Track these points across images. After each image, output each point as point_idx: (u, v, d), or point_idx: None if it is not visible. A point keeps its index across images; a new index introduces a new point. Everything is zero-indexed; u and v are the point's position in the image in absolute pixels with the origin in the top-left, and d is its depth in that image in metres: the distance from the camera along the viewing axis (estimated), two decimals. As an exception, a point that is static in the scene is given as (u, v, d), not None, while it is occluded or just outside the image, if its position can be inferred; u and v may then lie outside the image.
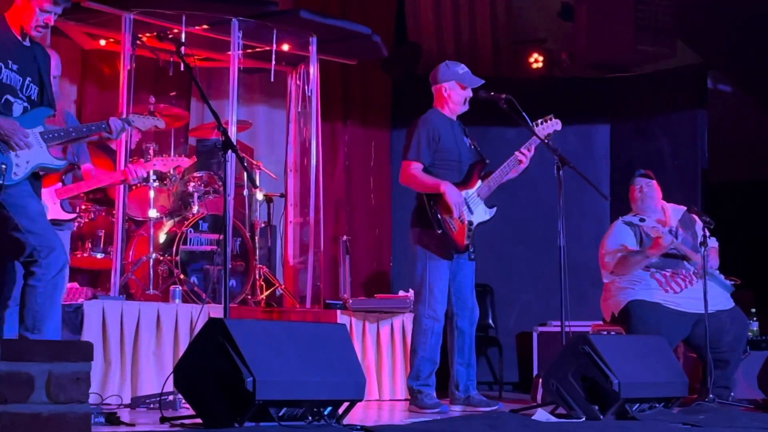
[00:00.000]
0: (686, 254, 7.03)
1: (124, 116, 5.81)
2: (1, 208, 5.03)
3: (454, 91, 6.69)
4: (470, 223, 6.52)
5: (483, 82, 6.72)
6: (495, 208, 6.70)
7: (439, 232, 6.41)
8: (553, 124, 6.77)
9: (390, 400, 7.82)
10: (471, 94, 6.69)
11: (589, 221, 9.38)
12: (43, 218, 5.26)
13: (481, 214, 6.62)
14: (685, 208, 7.30)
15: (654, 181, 7.29)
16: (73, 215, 6.80)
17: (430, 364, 6.54)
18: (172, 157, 7.50)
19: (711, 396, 6.72)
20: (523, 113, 6.63)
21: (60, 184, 6.52)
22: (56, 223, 6.09)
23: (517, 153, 6.64)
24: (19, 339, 5.02)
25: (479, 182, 6.63)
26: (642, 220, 6.88)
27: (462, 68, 6.74)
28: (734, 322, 7.09)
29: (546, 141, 6.64)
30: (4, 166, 5.03)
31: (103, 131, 5.57)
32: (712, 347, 6.85)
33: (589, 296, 8.09)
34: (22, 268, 5.11)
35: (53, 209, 6.32)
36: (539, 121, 6.74)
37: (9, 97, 5.13)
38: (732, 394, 7.06)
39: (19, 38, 5.22)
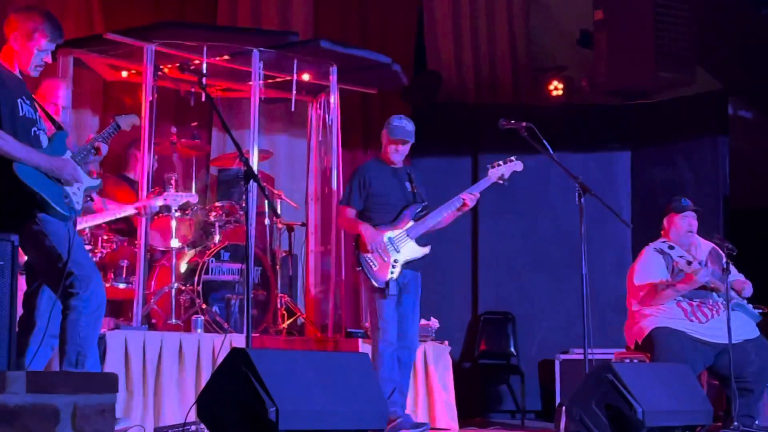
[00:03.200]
0: (716, 286, 6.99)
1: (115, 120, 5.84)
2: (44, 237, 5.03)
3: (385, 140, 7.15)
4: (395, 260, 6.90)
5: (410, 139, 7.09)
6: (429, 246, 7.05)
7: (358, 269, 6.94)
8: (512, 166, 7.10)
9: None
10: (400, 149, 7.08)
11: (610, 249, 9.35)
12: (83, 249, 5.30)
13: (410, 251, 6.99)
14: (713, 244, 7.26)
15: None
16: (89, 248, 6.84)
17: (390, 384, 6.79)
18: (181, 193, 7.58)
19: (735, 424, 6.68)
20: (544, 141, 6.65)
21: None
22: None
23: (462, 195, 7.06)
24: (44, 371, 5.04)
25: (410, 222, 7.03)
26: (671, 248, 6.86)
27: (400, 121, 7.12)
28: (759, 351, 7.04)
29: (502, 182, 7.08)
30: (67, 200, 5.08)
31: (113, 133, 5.67)
32: (736, 377, 6.80)
33: (610, 323, 8.06)
34: (59, 302, 5.08)
35: None
36: (496, 162, 7.11)
37: (35, 129, 5.17)
38: (756, 422, 7.01)
39: (19, 76, 5.25)
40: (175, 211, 7.81)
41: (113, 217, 7.26)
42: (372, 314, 6.96)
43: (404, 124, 7.09)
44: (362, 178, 7.06)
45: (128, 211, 7.25)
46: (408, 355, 7.01)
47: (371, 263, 6.88)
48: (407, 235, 6.97)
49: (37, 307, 5.21)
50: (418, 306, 7.07)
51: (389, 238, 6.93)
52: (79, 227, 6.62)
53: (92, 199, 6.72)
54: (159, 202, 7.38)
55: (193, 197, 7.71)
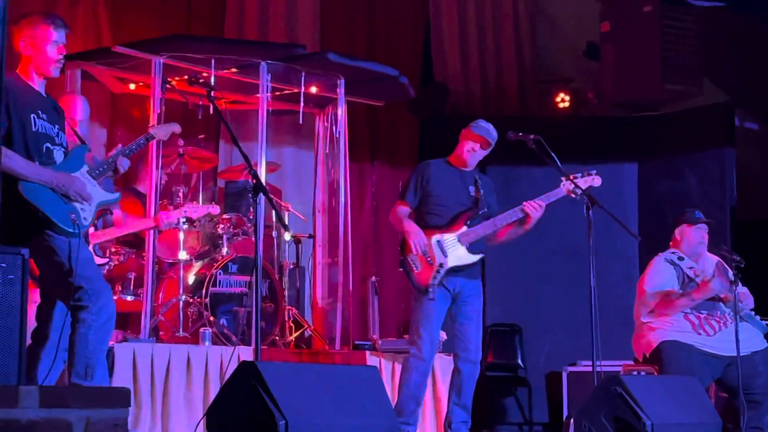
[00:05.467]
0: (724, 297, 6.98)
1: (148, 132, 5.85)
2: (53, 253, 5.05)
3: (466, 138, 6.85)
4: (440, 265, 6.61)
5: (491, 140, 6.76)
6: (481, 254, 6.75)
7: (400, 269, 6.69)
8: (590, 180, 6.79)
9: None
10: (477, 149, 6.79)
11: (618, 261, 9.35)
12: (93, 264, 5.32)
13: (459, 257, 6.67)
14: (719, 258, 7.26)
15: None
16: (105, 260, 6.84)
17: (414, 403, 6.64)
18: (203, 204, 7.56)
19: (744, 436, 6.67)
20: (552, 153, 6.64)
21: (93, 228, 6.57)
22: None
23: (525, 204, 6.71)
24: (57, 385, 5.04)
25: (464, 228, 6.70)
26: (681, 258, 6.86)
27: (485, 123, 6.82)
28: (767, 363, 7.04)
29: (574, 195, 6.70)
30: (74, 215, 5.08)
31: (144, 144, 5.69)
32: (745, 389, 6.79)
33: (617, 335, 8.05)
34: (69, 315, 5.10)
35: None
36: (573, 175, 6.76)
37: (48, 145, 5.18)
38: (765, 434, 7.00)
39: (38, 90, 5.26)
40: (183, 223, 7.82)
41: (133, 231, 7.27)
42: (411, 323, 6.72)
43: (489, 128, 6.80)
44: (421, 176, 6.78)
45: (147, 224, 7.27)
46: (470, 369, 6.76)
47: (413, 264, 6.62)
48: (458, 240, 6.67)
49: (51, 320, 5.22)
50: (479, 316, 6.79)
51: (437, 241, 6.64)
52: (99, 241, 6.65)
53: (111, 213, 6.75)
54: (177, 215, 7.36)
55: (213, 209, 7.67)
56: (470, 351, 6.74)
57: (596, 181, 6.80)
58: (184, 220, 7.74)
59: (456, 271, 6.65)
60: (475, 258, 6.72)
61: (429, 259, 6.61)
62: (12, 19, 4.79)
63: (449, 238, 6.67)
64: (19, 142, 5.03)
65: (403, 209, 6.76)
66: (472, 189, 6.83)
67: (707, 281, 6.81)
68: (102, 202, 5.36)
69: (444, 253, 6.63)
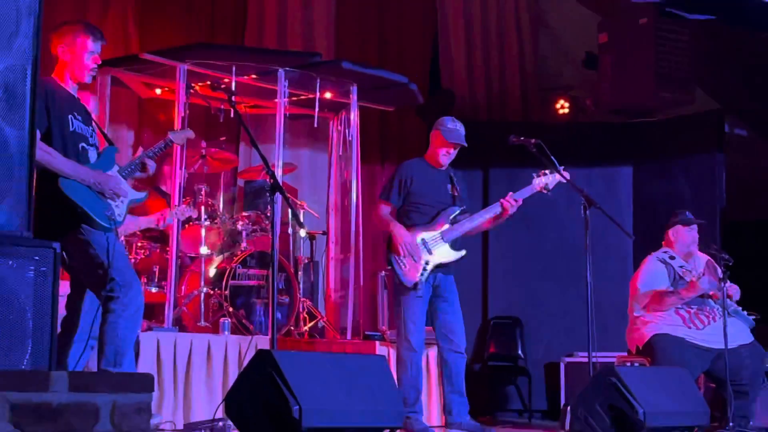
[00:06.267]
0: (712, 294, 6.97)
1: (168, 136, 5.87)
2: (88, 246, 5.07)
3: (436, 141, 6.79)
4: (426, 262, 6.59)
5: (464, 144, 6.75)
6: (464, 251, 6.75)
7: (389, 268, 6.65)
8: (553, 179, 6.77)
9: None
10: (451, 152, 6.77)
11: (613, 259, 9.32)
12: (125, 257, 5.35)
13: (443, 254, 6.67)
14: (708, 257, 7.25)
15: None
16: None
17: (414, 392, 6.62)
18: (185, 208, 7.56)
19: (731, 425, 6.65)
20: (552, 157, 6.64)
21: None
22: None
23: (502, 201, 6.71)
24: (85, 371, 5.06)
25: (446, 225, 6.69)
26: (672, 258, 6.85)
27: (454, 125, 6.77)
28: (753, 356, 7.02)
29: (546, 191, 6.75)
30: (109, 212, 5.11)
31: (164, 148, 5.70)
32: (732, 380, 6.78)
33: (612, 329, 8.03)
34: (100, 305, 5.14)
35: None
36: (543, 171, 6.78)
37: (84, 144, 5.21)
38: (751, 422, 6.98)
39: (72, 92, 5.28)
40: (205, 220, 7.85)
41: (138, 228, 7.31)
42: (397, 318, 6.68)
43: (459, 128, 6.74)
44: (404, 176, 6.72)
45: (149, 223, 7.33)
46: (455, 358, 6.71)
47: (400, 263, 6.59)
48: (441, 238, 6.66)
49: (80, 309, 5.24)
50: (458, 308, 6.75)
51: (422, 240, 6.62)
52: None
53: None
54: (169, 218, 7.43)
55: (193, 212, 7.70)
56: (455, 342, 6.72)
57: (565, 175, 6.72)
58: (206, 216, 7.76)
59: (438, 267, 6.65)
60: (459, 255, 6.72)
61: (415, 257, 6.58)
62: (50, 25, 4.82)
63: (433, 236, 6.65)
64: (57, 142, 5.06)
65: (386, 209, 6.73)
66: (449, 187, 6.82)
67: (696, 280, 6.80)
68: (132, 200, 5.39)
69: (429, 251, 6.62)
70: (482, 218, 6.77)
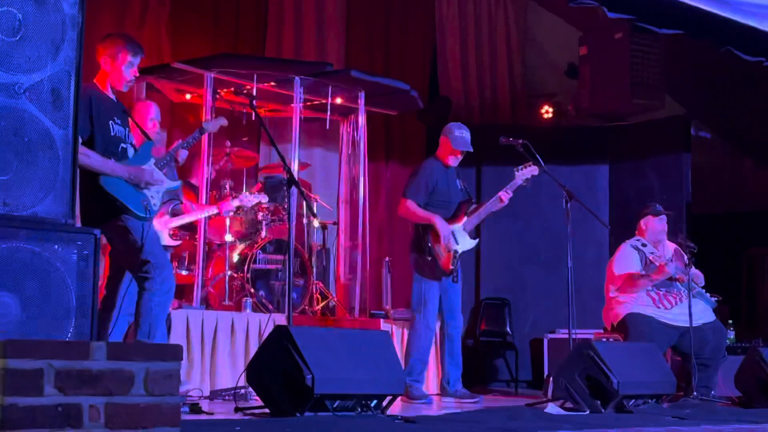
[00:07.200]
0: (679, 278, 6.97)
1: (201, 126, 5.90)
2: (127, 232, 5.09)
3: (446, 147, 6.84)
4: (455, 251, 6.63)
5: (470, 150, 6.79)
6: (477, 239, 6.87)
7: (429, 258, 6.60)
8: (531, 170, 6.78)
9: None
10: (459, 157, 6.82)
11: (591, 246, 9.31)
12: (159, 243, 5.41)
13: (466, 244, 6.73)
14: (676, 245, 7.25)
15: None
16: (179, 242, 6.92)
17: (421, 365, 6.70)
18: (256, 194, 7.54)
19: (695, 394, 6.66)
20: (537, 156, 6.65)
21: (167, 216, 6.66)
22: (165, 248, 6.20)
23: (500, 193, 6.76)
24: (123, 342, 5.08)
25: (465, 218, 6.75)
26: (644, 245, 6.85)
27: (460, 132, 6.79)
28: (715, 333, 7.03)
29: (525, 185, 6.78)
30: (145, 203, 5.12)
31: (199, 137, 5.75)
32: (696, 354, 6.79)
33: (590, 308, 8.03)
34: (136, 285, 5.16)
35: (165, 237, 6.47)
36: (520, 167, 6.78)
37: (123, 145, 5.23)
38: (712, 392, 6.99)
39: (113, 98, 5.28)
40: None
41: (198, 217, 7.28)
42: (418, 299, 6.69)
43: (465, 135, 6.79)
44: (430, 177, 6.75)
45: (211, 211, 7.27)
46: (457, 333, 6.85)
47: (439, 253, 6.60)
48: (463, 229, 6.72)
49: (118, 289, 5.26)
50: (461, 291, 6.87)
51: (451, 231, 6.66)
52: (174, 225, 6.72)
53: (181, 203, 6.80)
54: (235, 203, 7.37)
55: (263, 197, 7.66)
56: (457, 319, 6.83)
57: (534, 170, 6.75)
58: (248, 207, 7.74)
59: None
60: (475, 243, 6.79)
61: (450, 247, 6.60)
62: (91, 35, 4.82)
63: (458, 228, 6.69)
64: (99, 145, 5.10)
65: (415, 205, 6.71)
66: (458, 182, 6.88)
67: (664, 265, 6.80)
68: (168, 189, 5.40)
69: (456, 241, 6.66)
70: (489, 210, 6.79)
